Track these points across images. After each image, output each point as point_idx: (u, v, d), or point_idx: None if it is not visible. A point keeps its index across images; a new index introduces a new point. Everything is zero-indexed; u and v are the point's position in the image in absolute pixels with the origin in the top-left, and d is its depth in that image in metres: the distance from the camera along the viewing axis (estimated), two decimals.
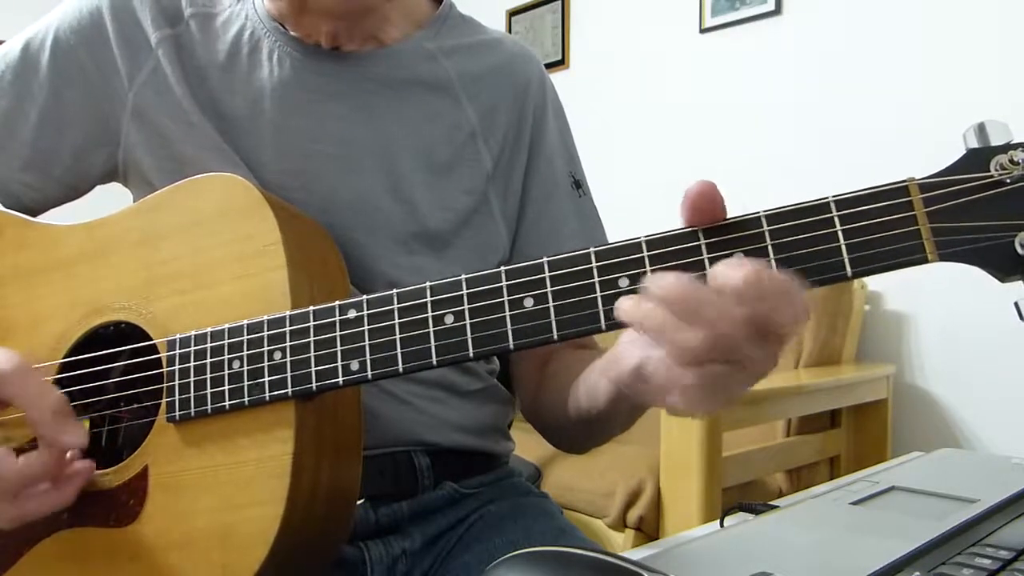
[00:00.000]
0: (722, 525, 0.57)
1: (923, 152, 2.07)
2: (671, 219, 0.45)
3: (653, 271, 0.45)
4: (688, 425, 1.63)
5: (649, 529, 1.77)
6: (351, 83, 0.72)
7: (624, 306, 0.43)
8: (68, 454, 0.55)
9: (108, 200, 0.80)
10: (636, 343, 0.45)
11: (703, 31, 2.66)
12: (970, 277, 0.42)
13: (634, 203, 2.63)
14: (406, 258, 0.71)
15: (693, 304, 0.40)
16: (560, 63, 3.10)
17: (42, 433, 0.53)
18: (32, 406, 0.53)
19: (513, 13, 3.32)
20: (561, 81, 0.87)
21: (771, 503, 0.60)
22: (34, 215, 0.71)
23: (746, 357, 0.41)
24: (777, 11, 2.48)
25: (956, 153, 0.42)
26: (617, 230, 0.83)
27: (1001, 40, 2.02)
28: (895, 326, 2.27)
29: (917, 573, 0.41)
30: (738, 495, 1.80)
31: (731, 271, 0.40)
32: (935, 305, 2.15)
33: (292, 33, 0.72)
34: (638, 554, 0.48)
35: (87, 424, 0.62)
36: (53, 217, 0.69)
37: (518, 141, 0.78)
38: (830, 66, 2.35)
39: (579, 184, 0.81)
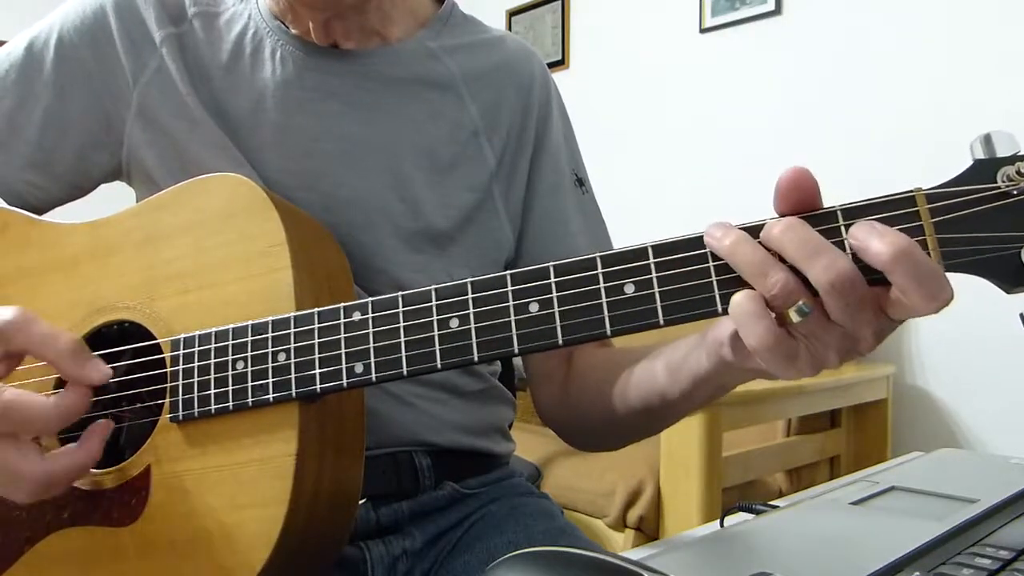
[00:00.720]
0: (722, 525, 0.57)
1: (923, 153, 2.08)
2: (670, 219, 0.45)
3: (659, 276, 0.45)
4: (688, 425, 1.63)
5: (649, 529, 1.77)
6: (353, 82, 0.72)
7: (724, 241, 0.43)
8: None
9: (112, 199, 0.80)
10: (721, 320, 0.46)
11: (703, 31, 2.66)
12: (970, 279, 0.42)
13: (634, 203, 2.63)
14: (410, 256, 0.71)
15: (811, 244, 0.41)
16: (560, 63, 3.10)
17: (65, 372, 0.53)
18: (47, 348, 0.52)
19: (513, 13, 3.31)
20: (561, 81, 0.87)
21: (771, 503, 0.60)
22: (38, 214, 0.71)
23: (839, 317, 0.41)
24: (777, 11, 2.48)
25: (957, 154, 0.42)
26: (617, 230, 0.84)
27: (1003, 41, 2.02)
28: None
29: (917, 573, 0.42)
30: (738, 495, 1.80)
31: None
32: None
33: (293, 31, 0.72)
34: (638, 554, 0.48)
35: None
36: (57, 216, 0.69)
37: (522, 138, 0.78)
38: (830, 66, 2.35)
39: (582, 182, 0.81)
